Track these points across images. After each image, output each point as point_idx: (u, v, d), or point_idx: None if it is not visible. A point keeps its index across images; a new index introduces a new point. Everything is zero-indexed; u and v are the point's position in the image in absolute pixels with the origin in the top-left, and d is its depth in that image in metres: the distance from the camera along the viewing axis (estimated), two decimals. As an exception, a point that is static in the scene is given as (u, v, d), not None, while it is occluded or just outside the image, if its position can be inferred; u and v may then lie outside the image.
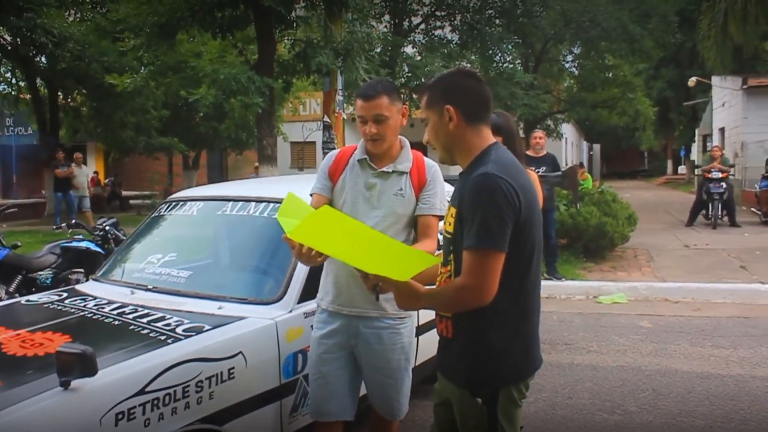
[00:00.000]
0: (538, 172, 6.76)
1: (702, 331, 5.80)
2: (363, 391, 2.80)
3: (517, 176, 1.90)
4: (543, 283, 7.37)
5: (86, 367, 2.11)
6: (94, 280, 3.65)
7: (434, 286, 2.09)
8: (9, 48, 16.75)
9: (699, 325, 6.00)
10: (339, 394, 2.68)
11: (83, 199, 15.05)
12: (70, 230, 6.07)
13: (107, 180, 24.74)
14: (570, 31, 16.75)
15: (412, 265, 1.92)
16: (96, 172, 24.52)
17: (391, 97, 2.57)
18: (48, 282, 5.42)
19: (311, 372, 2.72)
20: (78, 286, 3.67)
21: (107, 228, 5.87)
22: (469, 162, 2.00)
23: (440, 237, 2.31)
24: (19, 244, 6.49)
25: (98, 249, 5.70)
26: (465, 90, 2.01)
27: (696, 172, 15.29)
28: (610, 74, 19.69)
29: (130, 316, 2.85)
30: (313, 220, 1.86)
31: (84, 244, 5.72)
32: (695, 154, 26.99)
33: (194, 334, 2.61)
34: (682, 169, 33.28)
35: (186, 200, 3.79)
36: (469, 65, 16.95)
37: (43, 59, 17.39)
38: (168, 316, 2.81)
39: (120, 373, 2.28)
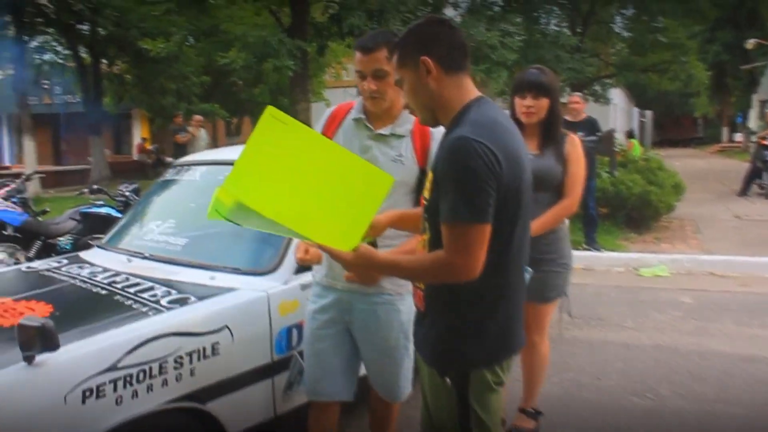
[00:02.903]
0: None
1: (749, 308, 5.41)
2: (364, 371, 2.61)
3: (499, 139, 1.63)
4: (581, 254, 7.13)
5: (47, 341, 1.97)
6: (98, 247, 3.55)
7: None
8: (52, 17, 16.89)
9: (746, 302, 5.60)
10: (334, 373, 2.48)
11: None
12: (92, 195, 6.03)
13: (152, 147, 24.99)
14: (619, -9, 15.99)
15: (373, 193, 1.67)
16: (144, 139, 24.79)
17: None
18: (68, 247, 5.39)
19: (306, 349, 2.54)
20: (81, 253, 3.57)
21: (128, 194, 5.81)
22: (450, 120, 1.75)
23: None
24: (48, 209, 6.50)
25: (118, 214, 5.63)
26: (439, 38, 1.75)
27: (751, 140, 14.52)
28: (664, 39, 18.66)
29: (119, 286, 2.72)
30: (259, 134, 1.61)
31: (104, 210, 5.67)
32: (752, 121, 25.72)
33: (178, 306, 2.45)
34: (738, 136, 31.86)
35: (191, 165, 3.66)
36: (513, 28, 16.32)
37: (84, 27, 17.50)
38: (157, 287, 2.66)
39: (89, 348, 2.14)
